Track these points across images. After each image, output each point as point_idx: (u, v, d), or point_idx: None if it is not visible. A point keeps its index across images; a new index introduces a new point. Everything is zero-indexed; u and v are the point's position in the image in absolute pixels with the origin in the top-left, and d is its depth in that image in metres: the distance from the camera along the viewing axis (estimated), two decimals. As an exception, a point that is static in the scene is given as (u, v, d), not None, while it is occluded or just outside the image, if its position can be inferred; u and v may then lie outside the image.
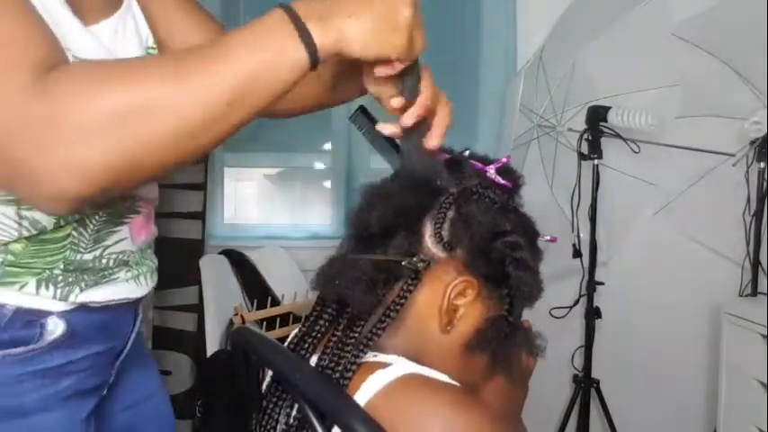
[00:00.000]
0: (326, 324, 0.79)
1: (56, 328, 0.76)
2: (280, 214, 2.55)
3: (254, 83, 0.63)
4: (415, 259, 0.76)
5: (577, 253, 2.17)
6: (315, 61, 0.65)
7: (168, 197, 2.12)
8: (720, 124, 2.20)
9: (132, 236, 0.85)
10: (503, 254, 0.77)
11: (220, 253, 2.20)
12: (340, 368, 0.72)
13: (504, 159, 0.83)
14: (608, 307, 2.22)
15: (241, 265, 2.20)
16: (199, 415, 1.98)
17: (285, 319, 2.08)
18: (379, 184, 0.80)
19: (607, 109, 2.04)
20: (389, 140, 0.89)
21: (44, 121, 0.58)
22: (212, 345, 2.01)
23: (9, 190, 0.70)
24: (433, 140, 0.79)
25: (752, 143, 2.14)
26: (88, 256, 0.78)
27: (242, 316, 2.01)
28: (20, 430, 0.75)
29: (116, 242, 0.82)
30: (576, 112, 2.19)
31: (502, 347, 0.79)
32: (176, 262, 2.01)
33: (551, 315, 2.25)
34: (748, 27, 2.08)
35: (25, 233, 0.73)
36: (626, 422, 2.28)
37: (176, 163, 0.65)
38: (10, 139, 0.58)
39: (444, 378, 0.73)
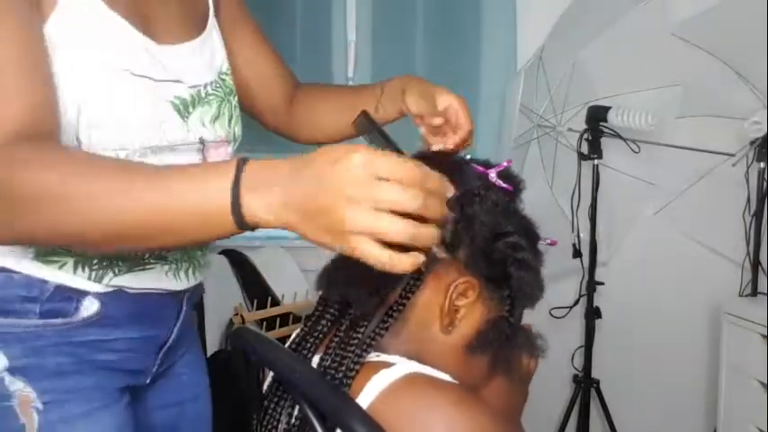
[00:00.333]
0: (329, 324, 0.79)
1: (90, 306, 0.82)
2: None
3: (176, 226, 0.65)
4: None
5: (577, 253, 2.17)
6: (242, 226, 0.63)
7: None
8: (720, 124, 2.20)
9: None
10: (504, 255, 0.77)
11: (220, 253, 2.20)
12: (343, 368, 0.72)
13: (506, 163, 0.83)
14: (608, 307, 2.22)
15: (241, 265, 2.20)
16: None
17: (285, 319, 2.08)
18: None
19: (607, 109, 2.04)
20: (391, 143, 0.90)
21: None
22: (212, 345, 2.01)
23: None
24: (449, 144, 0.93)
25: (752, 143, 2.14)
26: None
27: (242, 316, 2.01)
28: (56, 387, 0.82)
29: None
30: (576, 112, 2.19)
31: (503, 348, 0.79)
32: (176, 262, 2.00)
33: (551, 315, 2.25)
34: (748, 27, 2.08)
35: None
36: (626, 422, 2.28)
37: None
38: None
39: (447, 378, 0.73)
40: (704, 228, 2.34)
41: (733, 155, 2.16)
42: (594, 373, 2.23)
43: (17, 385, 0.79)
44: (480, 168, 0.82)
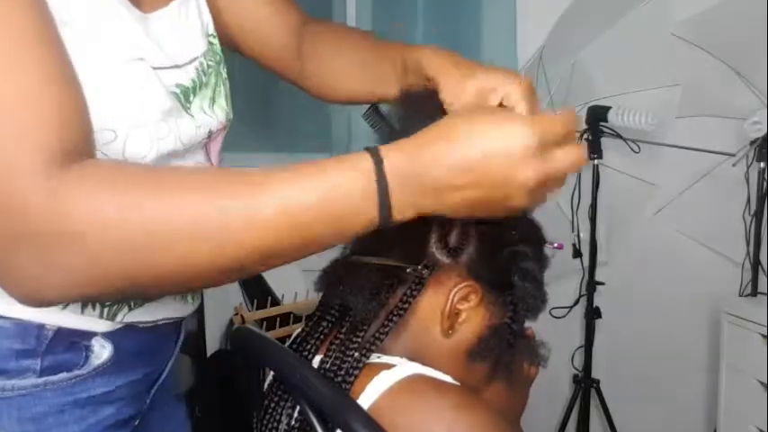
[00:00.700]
0: (329, 326, 0.79)
1: (102, 351, 0.68)
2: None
3: (310, 234, 0.56)
4: (420, 267, 0.75)
5: (577, 253, 2.17)
6: (385, 226, 0.58)
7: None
8: (720, 124, 2.20)
9: None
10: (508, 263, 0.77)
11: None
12: (343, 371, 0.72)
13: None
14: (608, 307, 2.22)
15: (241, 265, 2.19)
16: (199, 415, 1.98)
17: (285, 319, 2.08)
18: None
19: (607, 109, 2.04)
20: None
21: (48, 225, 0.51)
22: (212, 345, 2.01)
23: None
24: None
25: (752, 143, 2.14)
26: None
27: (242, 316, 2.01)
28: None
29: None
30: (575, 112, 2.19)
31: (504, 355, 0.79)
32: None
33: (551, 315, 2.25)
34: (748, 27, 2.08)
35: None
36: (626, 422, 2.28)
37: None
38: (6, 233, 0.51)
39: (448, 379, 0.72)
40: (704, 228, 2.34)
41: (733, 155, 2.16)
42: (594, 373, 2.23)
43: None
44: None
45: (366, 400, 0.68)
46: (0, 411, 0.63)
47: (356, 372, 0.71)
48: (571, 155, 0.59)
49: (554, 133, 0.58)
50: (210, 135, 0.76)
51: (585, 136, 2.11)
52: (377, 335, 0.74)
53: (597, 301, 2.20)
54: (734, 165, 2.16)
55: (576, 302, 2.30)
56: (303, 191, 0.55)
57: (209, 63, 0.76)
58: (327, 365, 0.74)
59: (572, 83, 2.16)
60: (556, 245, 0.83)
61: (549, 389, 2.27)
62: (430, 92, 0.76)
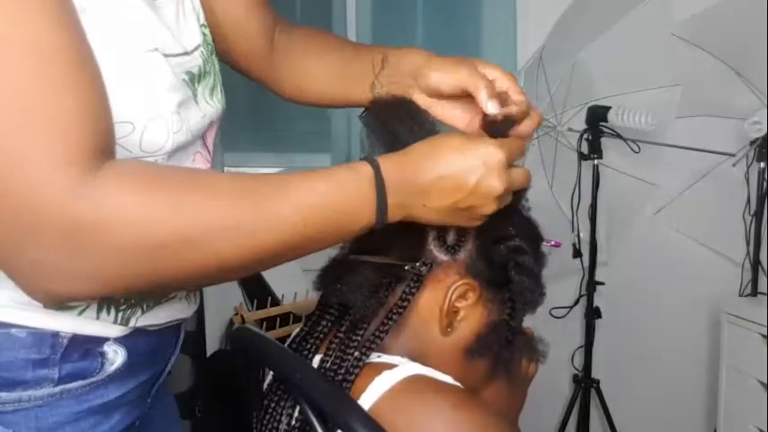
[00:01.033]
0: (329, 325, 0.79)
1: (115, 356, 0.67)
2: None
3: (319, 230, 0.62)
4: (418, 264, 0.75)
5: (577, 253, 2.17)
6: (379, 226, 0.65)
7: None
8: (720, 124, 2.20)
9: None
10: (506, 258, 0.77)
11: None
12: (343, 370, 0.72)
13: None
14: (608, 307, 2.22)
15: (241, 265, 2.19)
16: (199, 415, 1.98)
17: (285, 319, 2.07)
18: None
19: (607, 109, 2.04)
20: (396, 141, 0.88)
21: (79, 229, 0.52)
22: (212, 345, 2.01)
23: None
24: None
25: (752, 143, 2.14)
26: None
27: (242, 316, 2.01)
28: None
29: None
30: (575, 112, 2.19)
31: (503, 352, 0.79)
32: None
33: (551, 315, 2.25)
34: (748, 27, 2.08)
35: None
36: (626, 422, 2.28)
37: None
38: (30, 229, 0.52)
39: (449, 380, 0.73)
40: (704, 228, 2.34)
41: (733, 155, 2.16)
42: (594, 373, 2.23)
43: None
44: None
45: (367, 399, 0.68)
46: (18, 423, 0.62)
47: (356, 370, 0.72)
48: (523, 174, 0.71)
49: (513, 156, 0.69)
50: (210, 125, 0.77)
51: (586, 136, 2.11)
52: (376, 333, 0.74)
53: (597, 301, 2.20)
54: (734, 165, 2.17)
55: (576, 302, 2.30)
56: (315, 192, 0.62)
57: (206, 52, 0.77)
58: (328, 364, 0.74)
59: (572, 83, 2.16)
60: (553, 242, 0.83)
61: (549, 389, 2.27)
62: (402, 99, 0.81)
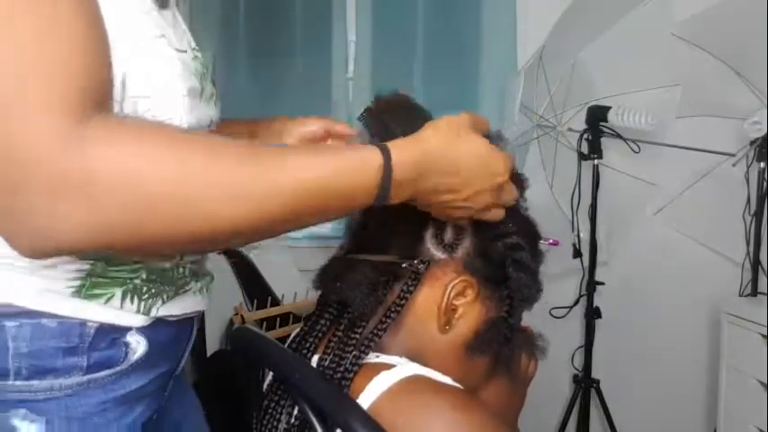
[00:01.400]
0: (328, 324, 0.79)
1: (138, 345, 0.69)
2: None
3: (320, 200, 0.62)
4: (416, 261, 0.76)
5: (577, 253, 2.17)
6: (379, 203, 0.66)
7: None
8: (720, 124, 2.20)
9: None
10: (503, 255, 0.77)
11: (220, 253, 2.20)
12: (341, 368, 0.72)
13: None
14: (608, 307, 2.22)
15: (241, 265, 2.20)
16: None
17: (285, 319, 2.07)
18: None
19: (607, 109, 2.04)
20: None
21: (66, 179, 0.51)
22: (212, 345, 2.01)
23: None
24: None
25: (752, 143, 2.14)
26: (168, 264, 0.71)
27: (242, 316, 2.01)
28: None
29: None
30: (576, 112, 2.19)
31: (501, 349, 0.79)
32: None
33: (551, 315, 2.25)
34: (748, 27, 2.08)
35: None
36: (626, 422, 2.28)
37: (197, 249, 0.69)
38: (17, 178, 0.51)
39: (447, 380, 0.73)
40: (704, 228, 2.34)
41: (733, 155, 2.16)
42: (594, 373, 2.23)
43: None
44: None
45: (366, 399, 0.68)
46: (50, 411, 0.64)
47: (355, 368, 0.72)
48: (513, 189, 0.76)
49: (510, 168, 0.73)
50: (207, 128, 0.76)
51: (586, 136, 2.11)
52: (375, 331, 0.75)
53: (597, 301, 2.20)
54: (734, 165, 2.17)
55: (576, 302, 2.30)
56: (317, 169, 0.61)
57: (201, 59, 0.77)
58: (326, 363, 0.74)
59: (572, 83, 2.16)
60: (551, 241, 0.83)
61: (549, 389, 2.27)
62: (401, 99, 0.84)
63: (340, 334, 0.76)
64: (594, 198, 2.14)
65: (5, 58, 0.52)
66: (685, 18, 2.13)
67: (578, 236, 2.17)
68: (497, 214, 0.74)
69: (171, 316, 0.72)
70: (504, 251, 0.77)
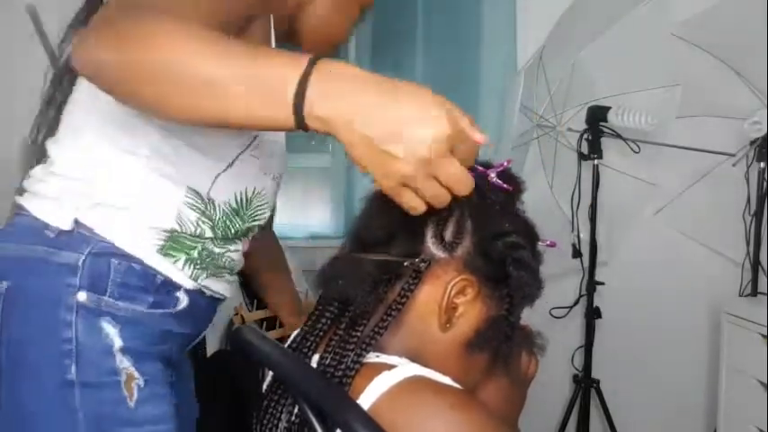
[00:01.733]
0: (328, 323, 0.79)
1: (183, 300, 0.93)
2: (279, 214, 2.54)
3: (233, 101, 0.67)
4: (417, 260, 0.76)
5: (577, 253, 2.17)
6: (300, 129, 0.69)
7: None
8: (720, 124, 2.20)
9: (243, 248, 1.01)
10: (503, 254, 0.77)
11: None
12: (342, 367, 0.72)
13: (506, 163, 0.83)
14: (608, 307, 2.22)
15: (241, 265, 2.20)
16: (198, 415, 1.97)
17: (285, 319, 2.07)
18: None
19: (607, 109, 2.04)
20: None
21: (106, 23, 0.70)
22: (212, 345, 2.01)
23: None
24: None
25: (752, 143, 2.14)
26: (218, 250, 0.95)
27: (242, 316, 2.01)
28: (149, 369, 0.89)
29: (236, 249, 0.99)
30: (576, 112, 2.19)
31: (502, 347, 0.79)
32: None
33: (551, 315, 2.25)
34: (748, 27, 2.08)
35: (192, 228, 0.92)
36: (626, 422, 2.28)
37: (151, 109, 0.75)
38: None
39: (447, 380, 0.73)
40: (704, 228, 2.34)
41: (733, 155, 2.16)
42: (594, 373, 2.23)
43: (125, 364, 0.87)
44: (480, 169, 0.81)
45: (366, 399, 0.68)
46: (125, 327, 0.87)
47: (356, 366, 0.72)
48: (456, 173, 0.65)
49: (461, 144, 0.65)
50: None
51: (585, 136, 2.11)
52: (376, 329, 0.75)
53: (597, 301, 2.20)
54: (734, 165, 2.17)
55: (576, 302, 2.30)
56: (249, 61, 0.67)
57: None
58: (327, 362, 0.74)
59: (572, 83, 2.16)
60: (548, 242, 0.84)
61: (549, 389, 2.27)
62: None
63: (341, 332, 0.76)
64: (594, 198, 2.14)
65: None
66: (685, 18, 2.13)
67: (578, 236, 2.17)
68: (442, 196, 0.66)
69: (207, 288, 0.96)
70: (504, 250, 0.77)
